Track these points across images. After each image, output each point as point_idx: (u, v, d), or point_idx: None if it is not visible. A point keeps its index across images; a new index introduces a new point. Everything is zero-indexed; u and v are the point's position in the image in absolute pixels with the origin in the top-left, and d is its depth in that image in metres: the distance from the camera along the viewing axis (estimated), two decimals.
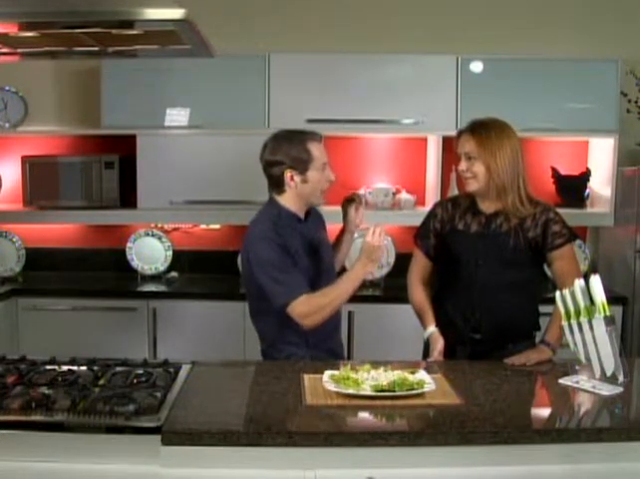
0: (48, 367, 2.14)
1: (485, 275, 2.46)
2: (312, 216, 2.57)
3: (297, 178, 2.41)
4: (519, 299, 2.50)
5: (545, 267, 2.56)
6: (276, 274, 2.34)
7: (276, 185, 2.45)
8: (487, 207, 2.49)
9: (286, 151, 2.40)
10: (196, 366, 2.24)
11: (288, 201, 2.46)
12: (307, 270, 2.42)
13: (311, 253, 2.48)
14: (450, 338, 2.48)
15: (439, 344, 2.44)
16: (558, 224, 2.46)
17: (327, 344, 2.53)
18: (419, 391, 1.96)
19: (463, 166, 2.44)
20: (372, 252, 2.32)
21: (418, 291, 2.60)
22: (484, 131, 2.42)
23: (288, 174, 2.41)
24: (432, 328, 2.49)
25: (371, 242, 2.30)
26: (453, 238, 2.53)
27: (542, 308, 2.56)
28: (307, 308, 2.32)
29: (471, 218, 2.52)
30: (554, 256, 2.46)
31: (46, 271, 4.12)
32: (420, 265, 2.63)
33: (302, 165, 2.40)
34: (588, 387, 2.07)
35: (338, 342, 2.66)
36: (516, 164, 2.41)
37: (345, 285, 2.37)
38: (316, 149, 2.43)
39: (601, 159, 3.92)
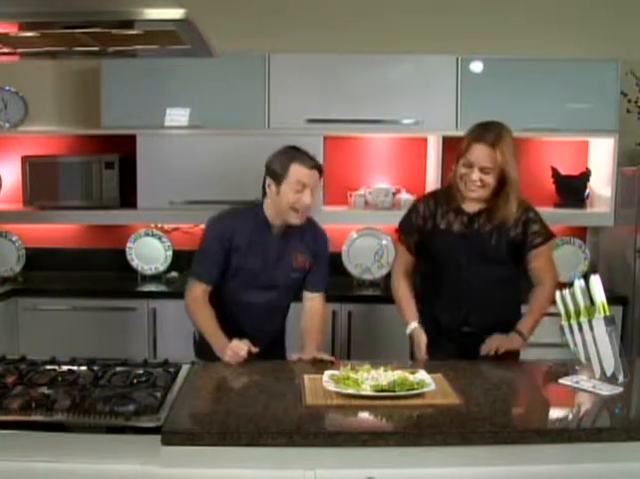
0: (48, 367, 2.15)
1: (470, 274, 2.49)
2: (302, 234, 2.58)
3: (273, 188, 2.49)
4: (505, 295, 2.54)
5: None
6: (199, 254, 2.56)
7: (262, 186, 2.56)
8: (472, 207, 2.50)
9: (273, 160, 2.51)
10: (196, 366, 2.24)
11: (267, 206, 2.55)
12: (238, 268, 2.52)
13: (260, 260, 2.52)
14: (436, 336, 2.51)
15: (422, 343, 2.50)
16: (538, 223, 2.49)
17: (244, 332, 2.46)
18: (419, 391, 1.96)
19: (475, 176, 2.40)
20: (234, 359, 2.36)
21: (401, 286, 2.64)
22: (502, 144, 2.38)
23: (267, 181, 2.51)
24: (414, 324, 2.55)
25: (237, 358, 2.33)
26: (435, 237, 2.54)
27: None
28: (191, 298, 2.51)
29: (453, 216, 2.52)
30: (533, 255, 2.49)
31: (46, 271, 4.11)
32: (403, 260, 2.67)
33: (277, 177, 2.47)
34: (588, 387, 2.08)
35: (266, 337, 2.59)
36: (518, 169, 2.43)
37: (206, 331, 2.46)
38: (297, 171, 2.44)
39: (601, 159, 3.92)
